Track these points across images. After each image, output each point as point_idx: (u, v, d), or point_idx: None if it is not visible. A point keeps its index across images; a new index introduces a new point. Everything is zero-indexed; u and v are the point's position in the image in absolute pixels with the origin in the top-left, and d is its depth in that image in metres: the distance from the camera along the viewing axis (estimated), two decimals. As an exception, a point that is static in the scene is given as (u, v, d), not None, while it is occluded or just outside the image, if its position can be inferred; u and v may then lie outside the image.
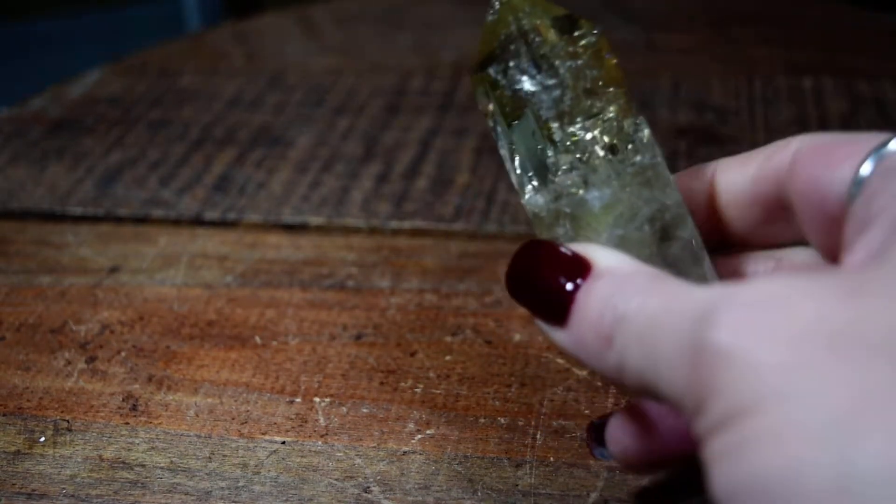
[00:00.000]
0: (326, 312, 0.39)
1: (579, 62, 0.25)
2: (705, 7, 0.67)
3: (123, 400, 0.35)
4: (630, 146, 0.25)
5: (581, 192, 0.24)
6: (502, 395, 0.34)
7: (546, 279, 0.22)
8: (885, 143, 0.21)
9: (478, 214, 0.45)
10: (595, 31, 0.25)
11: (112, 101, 0.58)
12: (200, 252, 0.44)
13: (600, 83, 0.25)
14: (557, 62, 0.25)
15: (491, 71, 0.26)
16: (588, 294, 0.22)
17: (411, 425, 0.33)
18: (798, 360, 0.17)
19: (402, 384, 0.35)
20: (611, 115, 0.25)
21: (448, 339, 0.37)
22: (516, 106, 0.25)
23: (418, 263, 0.42)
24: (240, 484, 0.32)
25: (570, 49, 0.25)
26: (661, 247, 0.24)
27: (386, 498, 0.31)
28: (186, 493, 0.31)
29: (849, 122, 0.51)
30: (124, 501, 0.31)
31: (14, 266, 0.44)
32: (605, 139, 0.25)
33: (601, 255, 0.22)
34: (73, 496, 0.31)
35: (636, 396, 0.25)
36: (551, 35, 0.25)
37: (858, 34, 0.62)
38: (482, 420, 0.33)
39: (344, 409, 0.34)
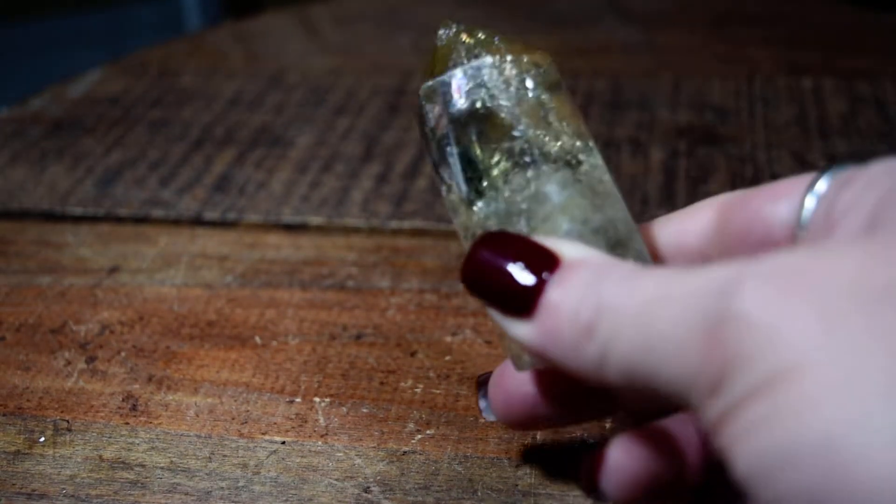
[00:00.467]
0: (326, 312, 0.39)
1: (532, 93, 0.26)
2: (705, 7, 0.67)
3: (123, 400, 0.35)
4: (580, 164, 0.25)
5: (536, 186, 0.24)
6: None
7: (510, 268, 0.21)
8: (827, 170, 0.21)
9: (478, 214, 0.45)
10: (546, 64, 0.27)
11: (112, 101, 0.58)
12: (200, 252, 0.44)
13: (552, 117, 0.25)
14: (512, 84, 0.26)
15: (442, 82, 0.27)
16: (561, 284, 0.21)
17: (411, 425, 0.33)
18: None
19: (402, 384, 0.35)
20: (559, 143, 0.25)
21: (448, 339, 0.37)
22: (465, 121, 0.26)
23: (418, 263, 0.42)
24: (240, 484, 0.32)
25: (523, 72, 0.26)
26: (613, 255, 0.24)
27: (386, 498, 0.31)
28: (186, 493, 0.31)
29: (849, 122, 0.51)
30: (124, 501, 0.31)
31: (14, 266, 0.44)
32: (554, 150, 0.25)
33: (569, 248, 0.22)
34: (73, 496, 0.31)
35: (612, 389, 0.24)
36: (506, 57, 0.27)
37: (858, 34, 0.62)
38: (482, 420, 0.33)
39: (344, 409, 0.34)
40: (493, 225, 0.25)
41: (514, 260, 0.21)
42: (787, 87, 0.55)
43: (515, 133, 0.25)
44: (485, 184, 0.25)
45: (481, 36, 0.27)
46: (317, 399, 0.35)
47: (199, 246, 0.44)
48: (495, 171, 0.25)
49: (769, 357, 0.16)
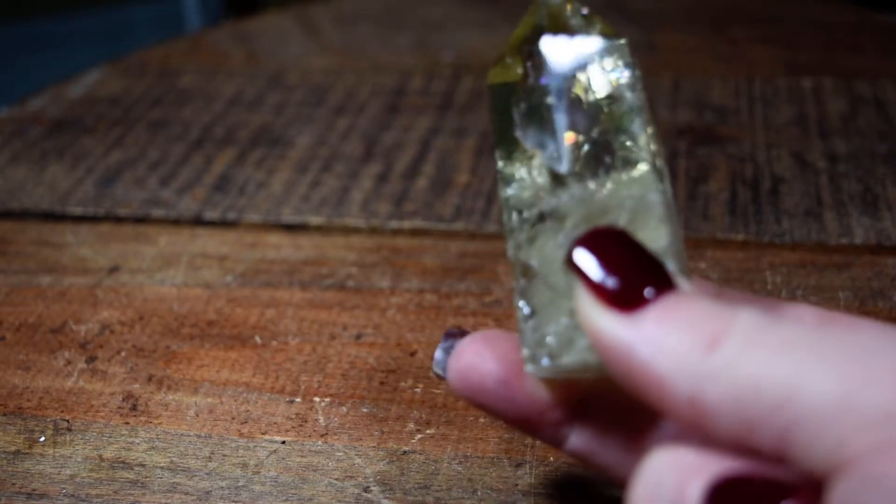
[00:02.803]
0: (326, 312, 0.39)
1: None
2: (705, 7, 0.67)
3: (123, 400, 0.35)
4: (663, 177, 0.23)
5: (642, 190, 0.22)
6: (502, 394, 0.34)
7: (633, 260, 0.19)
8: None
9: (478, 214, 0.45)
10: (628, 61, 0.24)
11: (112, 101, 0.58)
12: (200, 252, 0.44)
13: (650, 119, 0.24)
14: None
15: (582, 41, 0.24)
16: (683, 298, 0.18)
17: (411, 425, 0.33)
18: None
19: (402, 384, 0.35)
20: (654, 148, 0.24)
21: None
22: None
23: (418, 263, 0.42)
24: (240, 484, 0.32)
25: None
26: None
27: (386, 498, 0.31)
28: (186, 493, 0.31)
29: (849, 122, 0.51)
30: (124, 501, 0.31)
31: (14, 266, 0.44)
32: (656, 158, 0.23)
33: (685, 283, 0.20)
34: (73, 496, 0.31)
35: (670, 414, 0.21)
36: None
37: (858, 34, 0.62)
38: (482, 420, 0.33)
39: (344, 408, 0.34)
40: (580, 215, 0.23)
41: (636, 256, 0.19)
42: (787, 87, 0.55)
43: (633, 127, 0.23)
44: (581, 166, 0.23)
45: (587, 14, 0.25)
46: (317, 399, 0.35)
47: (199, 246, 0.44)
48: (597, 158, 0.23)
49: None
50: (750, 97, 0.54)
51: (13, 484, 0.32)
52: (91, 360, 0.37)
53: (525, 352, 0.23)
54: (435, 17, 0.68)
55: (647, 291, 0.19)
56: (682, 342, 0.17)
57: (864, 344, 0.16)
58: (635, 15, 0.66)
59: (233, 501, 0.31)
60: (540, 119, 0.24)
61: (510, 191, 0.24)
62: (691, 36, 0.63)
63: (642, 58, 0.60)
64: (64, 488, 0.32)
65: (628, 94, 0.24)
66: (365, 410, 0.34)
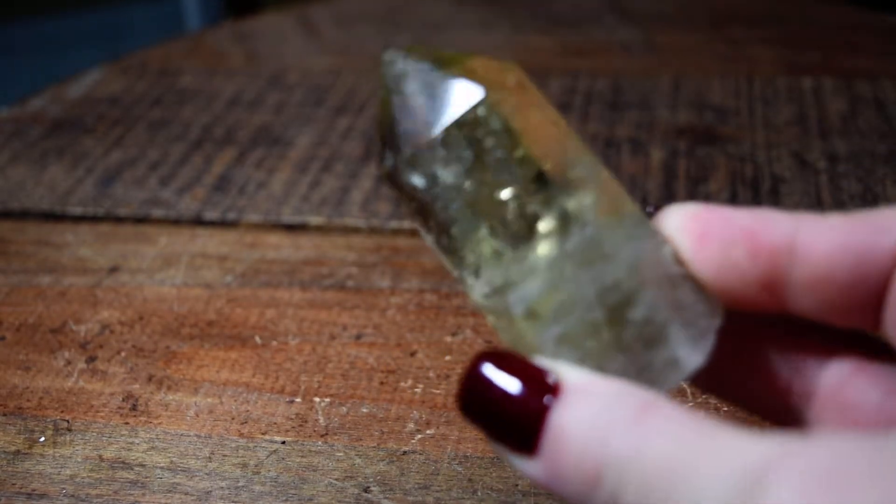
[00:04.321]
0: (326, 312, 0.39)
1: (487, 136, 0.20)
2: (705, 7, 0.67)
3: (123, 400, 0.35)
4: (569, 222, 0.20)
5: (503, 294, 0.20)
6: (502, 395, 0.34)
7: (507, 396, 0.18)
8: None
9: (478, 214, 0.45)
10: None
11: (112, 101, 0.58)
12: (200, 252, 0.44)
13: (514, 151, 0.20)
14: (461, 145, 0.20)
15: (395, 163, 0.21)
16: (564, 418, 0.18)
17: (411, 425, 0.33)
18: None
19: (402, 384, 0.35)
20: (512, 196, 0.20)
21: (448, 339, 0.37)
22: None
23: (418, 263, 0.42)
24: (240, 484, 0.32)
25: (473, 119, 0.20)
26: (613, 331, 0.19)
27: (386, 498, 0.31)
28: (186, 493, 0.31)
29: (849, 122, 0.51)
30: (124, 501, 0.31)
31: (14, 266, 0.44)
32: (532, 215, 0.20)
33: (568, 371, 0.18)
34: (73, 496, 0.31)
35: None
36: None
37: (858, 34, 0.62)
38: (482, 420, 0.33)
39: (344, 409, 0.34)
40: (489, 302, 0.21)
41: (510, 384, 0.19)
42: (787, 87, 0.55)
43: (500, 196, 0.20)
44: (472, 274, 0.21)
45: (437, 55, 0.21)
46: (317, 399, 0.35)
47: (199, 246, 0.44)
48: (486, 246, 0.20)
49: None
50: (750, 97, 0.54)
51: (13, 484, 0.32)
52: (91, 360, 0.37)
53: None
54: (435, 17, 0.68)
55: (537, 406, 0.18)
56: (576, 479, 0.18)
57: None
58: (635, 15, 0.66)
59: (233, 501, 0.31)
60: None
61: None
62: (691, 36, 0.63)
63: (642, 58, 0.60)
64: (64, 488, 0.32)
65: (466, 184, 0.20)
66: (365, 410, 0.34)
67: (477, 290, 0.21)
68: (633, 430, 0.17)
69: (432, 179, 0.20)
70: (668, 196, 0.45)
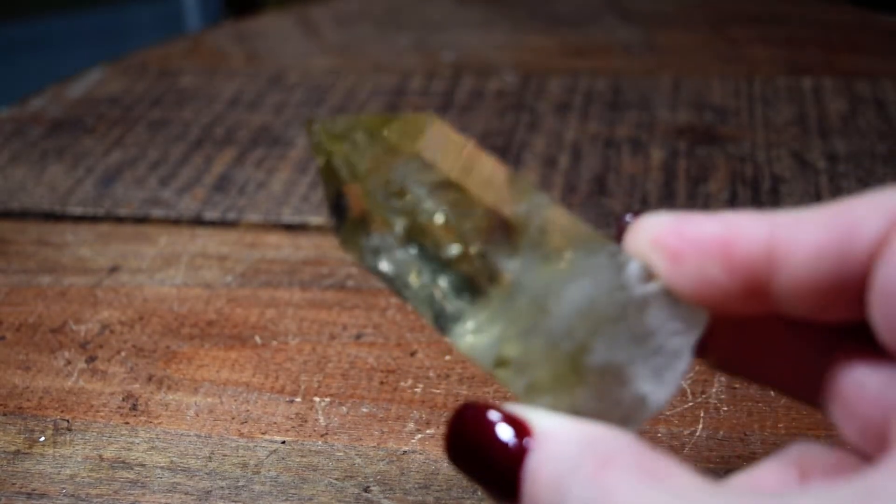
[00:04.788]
0: (326, 312, 0.39)
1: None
2: (705, 7, 0.67)
3: (123, 400, 0.35)
4: (494, 278, 0.20)
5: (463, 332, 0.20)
6: (502, 394, 0.34)
7: (487, 451, 0.19)
8: None
9: (478, 214, 0.45)
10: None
11: (112, 101, 0.58)
12: (200, 252, 0.44)
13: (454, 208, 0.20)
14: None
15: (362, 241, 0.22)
16: (533, 464, 0.18)
17: (411, 425, 0.33)
18: None
19: (402, 384, 0.35)
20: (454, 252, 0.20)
21: (448, 338, 0.37)
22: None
23: (418, 263, 0.42)
24: (240, 484, 0.32)
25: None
26: (576, 377, 0.19)
27: (386, 498, 0.31)
28: (186, 493, 0.31)
29: (849, 122, 0.51)
30: (124, 501, 0.31)
31: (14, 266, 0.44)
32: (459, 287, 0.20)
33: (538, 417, 0.19)
34: (73, 496, 0.31)
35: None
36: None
37: (858, 34, 0.62)
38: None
39: (344, 408, 0.34)
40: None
41: (488, 439, 0.19)
42: (787, 87, 0.55)
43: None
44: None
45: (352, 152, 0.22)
46: (317, 399, 0.35)
47: (199, 246, 0.44)
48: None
49: None
50: (750, 97, 0.54)
51: (13, 484, 0.32)
52: (91, 360, 0.37)
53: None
54: (435, 18, 0.68)
55: (512, 458, 0.18)
56: None
57: None
58: (635, 15, 0.66)
59: (233, 501, 0.31)
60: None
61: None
62: (691, 36, 0.63)
63: (642, 58, 0.60)
64: (64, 488, 0.32)
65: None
66: (365, 410, 0.34)
67: (458, 342, 0.21)
68: (594, 480, 0.17)
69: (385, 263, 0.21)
70: (668, 196, 0.45)
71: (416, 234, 0.21)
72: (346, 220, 0.22)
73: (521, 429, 0.19)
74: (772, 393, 0.34)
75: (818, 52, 0.59)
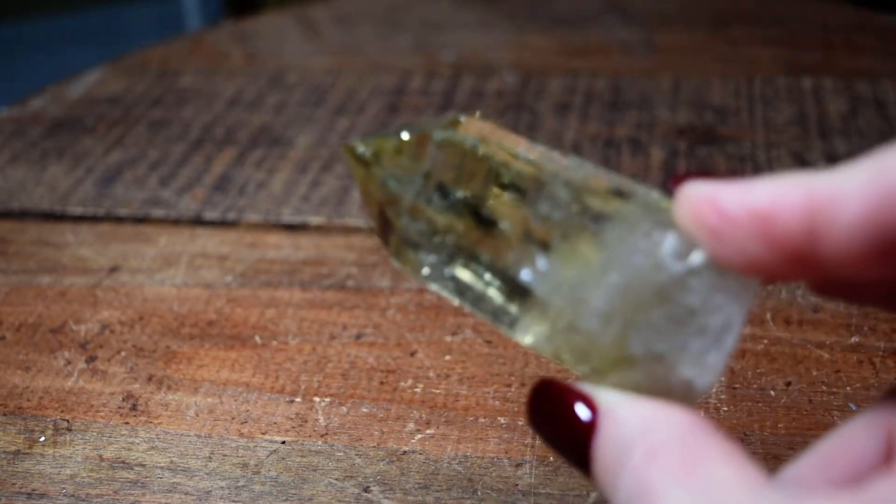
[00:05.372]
0: (326, 312, 0.39)
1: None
2: (705, 7, 0.67)
3: (123, 400, 0.35)
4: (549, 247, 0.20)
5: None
6: (502, 394, 0.34)
7: (560, 427, 0.20)
8: None
9: (478, 214, 0.45)
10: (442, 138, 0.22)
11: (112, 101, 0.58)
12: (200, 252, 0.44)
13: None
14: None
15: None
16: (600, 448, 0.19)
17: (411, 425, 0.33)
18: None
19: (402, 384, 0.35)
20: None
21: (448, 339, 0.37)
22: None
23: (418, 263, 0.42)
24: (240, 483, 0.32)
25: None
26: (627, 363, 0.20)
27: (386, 498, 0.31)
28: (186, 493, 0.31)
29: (849, 122, 0.51)
30: (124, 501, 0.31)
31: (14, 266, 0.44)
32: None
33: (603, 394, 0.20)
34: (73, 496, 0.31)
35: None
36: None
37: (858, 34, 0.62)
38: (482, 420, 0.33)
39: (344, 408, 0.34)
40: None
41: (562, 415, 0.20)
42: (787, 87, 0.55)
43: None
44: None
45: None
46: (317, 399, 0.35)
47: (199, 246, 0.44)
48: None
49: None
50: (750, 97, 0.54)
51: (13, 484, 0.32)
52: (91, 360, 0.37)
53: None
54: (435, 17, 0.68)
55: (580, 434, 0.20)
56: (620, 496, 0.19)
57: None
58: (635, 15, 0.66)
59: (233, 501, 0.31)
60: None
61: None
62: (691, 36, 0.63)
63: (642, 58, 0.60)
64: (64, 488, 0.32)
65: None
66: (365, 410, 0.34)
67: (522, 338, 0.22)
68: (639, 474, 0.18)
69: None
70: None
71: (467, 239, 0.21)
72: (393, 235, 0.22)
73: (590, 405, 0.20)
74: (772, 393, 0.34)
75: (818, 52, 0.59)
